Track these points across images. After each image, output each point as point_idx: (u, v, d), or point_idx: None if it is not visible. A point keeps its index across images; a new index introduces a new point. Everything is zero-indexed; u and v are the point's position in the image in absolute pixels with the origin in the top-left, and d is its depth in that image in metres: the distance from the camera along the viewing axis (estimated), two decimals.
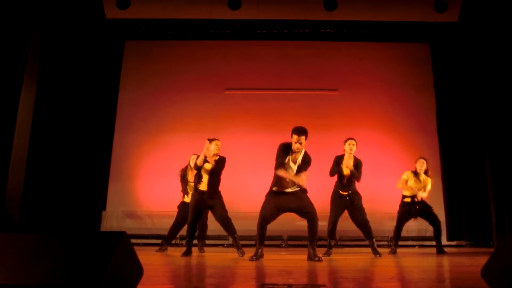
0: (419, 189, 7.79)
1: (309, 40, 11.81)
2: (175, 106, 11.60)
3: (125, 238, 2.40)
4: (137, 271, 2.58)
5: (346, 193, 7.12)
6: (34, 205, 9.30)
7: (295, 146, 5.87)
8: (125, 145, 11.41)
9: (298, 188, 5.98)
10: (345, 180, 7.14)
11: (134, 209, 11.07)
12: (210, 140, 7.04)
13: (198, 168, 7.03)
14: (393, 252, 7.66)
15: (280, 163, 5.91)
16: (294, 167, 5.94)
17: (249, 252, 6.29)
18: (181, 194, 8.30)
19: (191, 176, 8.00)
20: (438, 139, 11.27)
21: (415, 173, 7.88)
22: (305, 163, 5.99)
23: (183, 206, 8.08)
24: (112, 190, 11.15)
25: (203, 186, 7.00)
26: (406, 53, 11.91)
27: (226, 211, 7.01)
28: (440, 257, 7.05)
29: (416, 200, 7.78)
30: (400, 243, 8.28)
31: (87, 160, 10.80)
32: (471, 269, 4.71)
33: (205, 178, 7.02)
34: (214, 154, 7.01)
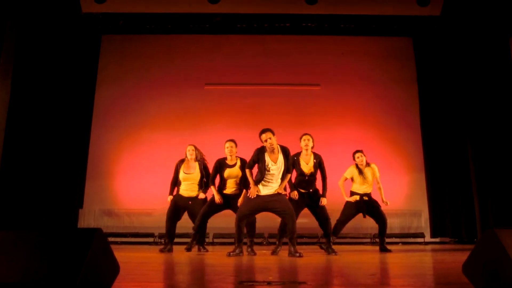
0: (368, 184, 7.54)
1: (290, 34, 11.70)
2: (154, 101, 11.43)
3: (100, 235, 2.34)
4: (113, 268, 2.51)
5: (305, 191, 6.78)
6: (9, 203, 9.17)
7: (267, 145, 6.09)
8: (102, 142, 11.23)
9: (276, 191, 6.13)
10: (307, 177, 6.78)
11: (112, 207, 10.89)
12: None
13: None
14: (333, 252, 6.68)
15: (250, 164, 6.26)
16: (277, 167, 6.13)
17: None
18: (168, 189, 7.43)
19: (186, 168, 7.37)
20: (421, 134, 11.23)
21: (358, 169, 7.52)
22: (288, 158, 6.26)
23: (178, 198, 7.29)
24: (89, 188, 10.93)
25: (229, 191, 6.95)
26: (388, 48, 11.87)
27: None
28: (423, 253, 7.02)
29: (364, 198, 7.48)
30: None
31: (63, 157, 10.60)
32: (453, 265, 4.69)
33: (230, 183, 6.95)
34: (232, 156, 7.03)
